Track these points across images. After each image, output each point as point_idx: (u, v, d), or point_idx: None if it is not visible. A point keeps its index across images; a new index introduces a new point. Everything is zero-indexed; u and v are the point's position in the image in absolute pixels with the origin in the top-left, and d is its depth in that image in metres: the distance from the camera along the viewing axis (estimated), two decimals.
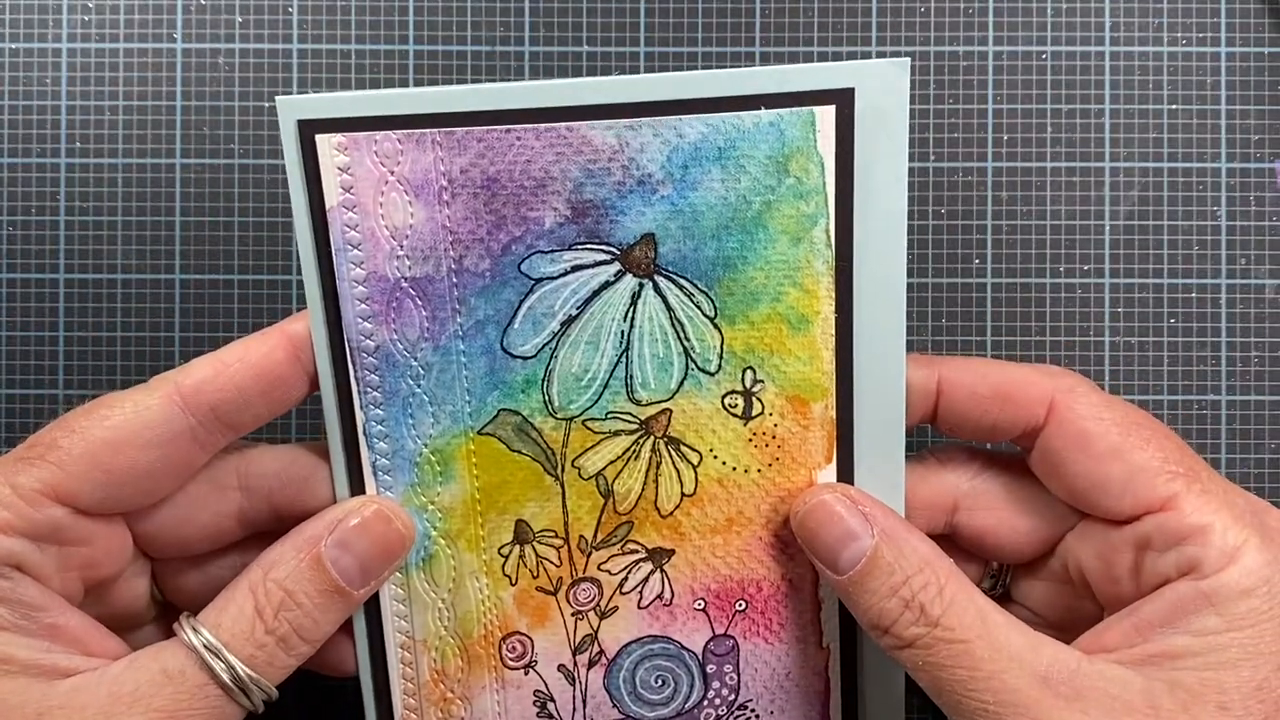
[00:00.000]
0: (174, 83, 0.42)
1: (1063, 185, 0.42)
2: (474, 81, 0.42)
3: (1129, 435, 0.33)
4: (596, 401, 0.36)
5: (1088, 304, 0.42)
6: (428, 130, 0.34)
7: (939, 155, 0.42)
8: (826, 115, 0.34)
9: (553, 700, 0.37)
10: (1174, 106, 0.42)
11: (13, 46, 0.42)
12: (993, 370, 0.35)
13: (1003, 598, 0.38)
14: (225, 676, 0.32)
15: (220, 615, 0.33)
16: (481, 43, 0.42)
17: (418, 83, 0.42)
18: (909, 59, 0.34)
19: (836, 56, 0.42)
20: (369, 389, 0.35)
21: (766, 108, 0.34)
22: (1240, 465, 0.42)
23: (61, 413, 0.35)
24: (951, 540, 0.36)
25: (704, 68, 0.42)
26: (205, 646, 0.32)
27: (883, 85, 0.34)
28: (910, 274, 0.42)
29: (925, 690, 0.33)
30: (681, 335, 0.35)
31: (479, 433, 0.36)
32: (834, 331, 0.35)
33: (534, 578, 0.37)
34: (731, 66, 0.42)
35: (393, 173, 0.34)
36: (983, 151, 0.42)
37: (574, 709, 0.37)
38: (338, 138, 0.34)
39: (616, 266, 0.35)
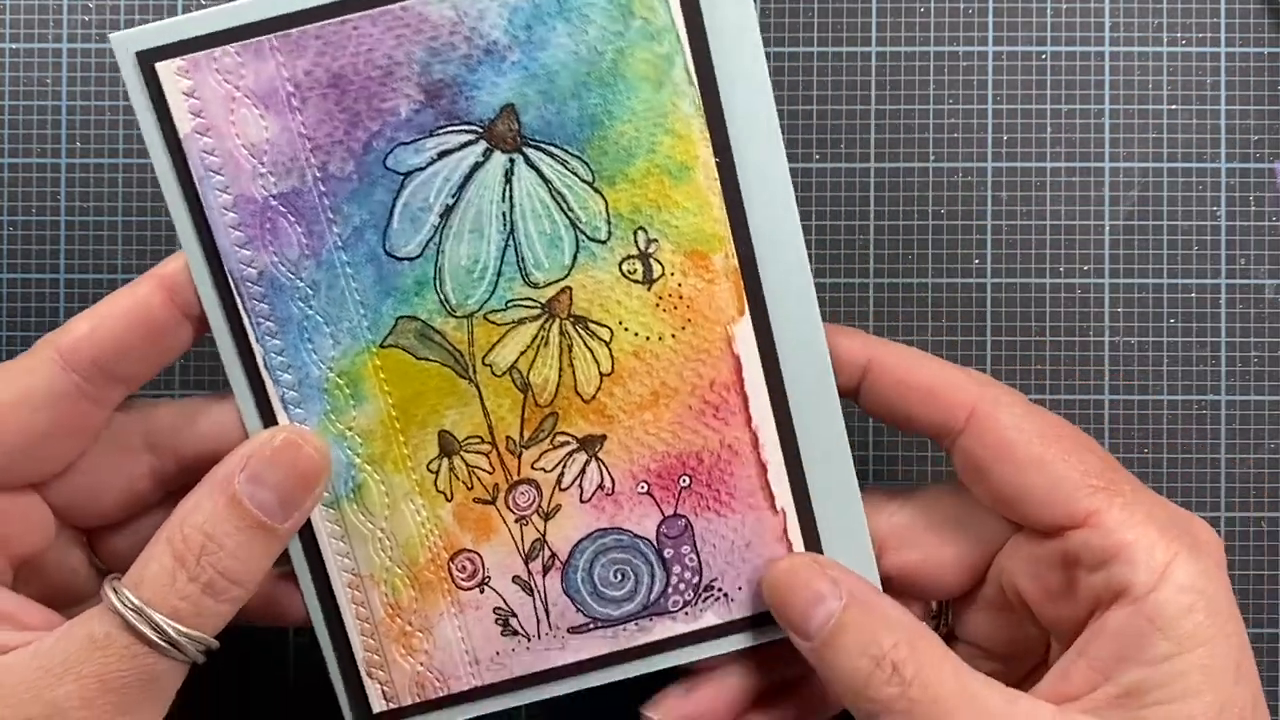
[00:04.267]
0: None
1: (1063, 185, 0.42)
2: None
3: (1050, 446, 0.33)
4: (493, 292, 0.35)
5: (1088, 304, 0.42)
6: (264, 37, 0.33)
7: (939, 155, 0.42)
8: None
9: (514, 615, 0.36)
10: (1174, 106, 0.42)
11: (13, 46, 0.42)
12: (925, 365, 0.35)
13: (948, 638, 0.37)
14: (152, 635, 0.32)
15: (141, 572, 0.32)
16: None
17: None
18: None
19: (836, 56, 0.42)
20: (261, 319, 0.34)
21: None
22: (1240, 465, 0.42)
23: None
24: (886, 585, 0.36)
25: None
26: (126, 605, 0.32)
27: None
28: (910, 274, 0.42)
29: None
30: (565, 207, 0.34)
31: (381, 346, 0.35)
32: (717, 175, 0.34)
33: (469, 489, 0.36)
34: None
35: (238, 88, 0.33)
36: (983, 151, 0.42)
37: (538, 620, 0.36)
38: (178, 62, 0.33)
39: (483, 145, 0.34)
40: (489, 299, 0.35)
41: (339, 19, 0.33)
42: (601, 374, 0.35)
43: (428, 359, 0.35)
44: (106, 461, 0.35)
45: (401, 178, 0.34)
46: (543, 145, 0.34)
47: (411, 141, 0.34)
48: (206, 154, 0.33)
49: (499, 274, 0.34)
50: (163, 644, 0.32)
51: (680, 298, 0.35)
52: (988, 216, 0.42)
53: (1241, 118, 0.42)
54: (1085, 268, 0.42)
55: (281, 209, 0.34)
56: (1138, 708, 0.31)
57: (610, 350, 0.35)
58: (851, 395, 0.36)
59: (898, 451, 0.42)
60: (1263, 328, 0.42)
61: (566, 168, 0.34)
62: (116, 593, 0.32)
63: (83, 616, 0.33)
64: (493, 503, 0.36)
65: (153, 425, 0.35)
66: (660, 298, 0.35)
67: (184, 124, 0.33)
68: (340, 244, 0.34)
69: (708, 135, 0.34)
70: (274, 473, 0.33)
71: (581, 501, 0.36)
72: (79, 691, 0.31)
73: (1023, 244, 0.42)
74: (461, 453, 0.35)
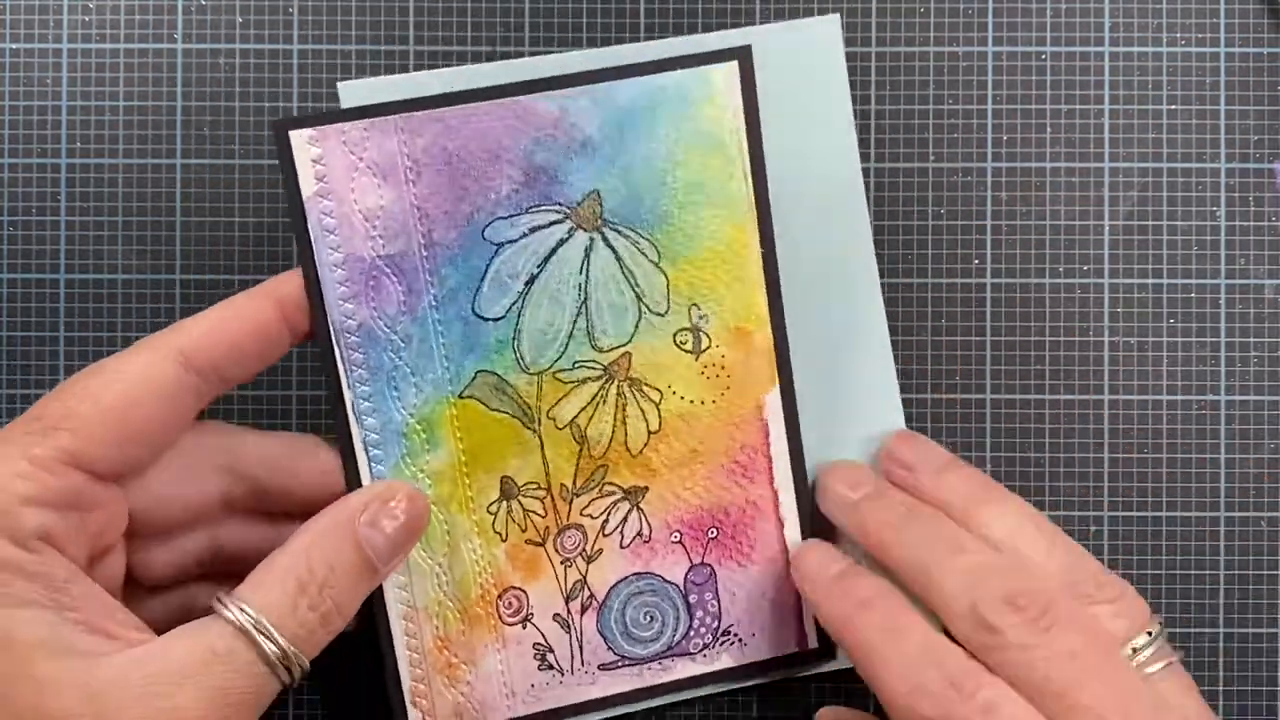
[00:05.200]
0: (174, 83, 0.42)
1: (1063, 185, 0.42)
2: None
3: None
4: (563, 353, 0.38)
5: (1088, 304, 0.42)
6: (392, 116, 0.37)
7: (939, 155, 0.42)
8: (732, 70, 0.38)
9: (551, 650, 0.39)
10: (1174, 106, 0.42)
11: (13, 46, 0.42)
12: None
13: None
14: (271, 654, 0.33)
15: (263, 593, 0.34)
16: (481, 43, 0.42)
17: None
18: (838, 15, 0.41)
19: None
20: (354, 367, 0.37)
21: (683, 68, 0.38)
22: (1240, 465, 0.42)
23: None
24: None
25: None
26: (253, 625, 0.33)
27: (806, 40, 0.40)
28: (910, 274, 0.42)
29: None
30: (633, 282, 0.38)
31: (459, 396, 0.38)
32: (762, 264, 0.39)
33: (522, 531, 0.39)
34: None
35: (361, 158, 0.37)
36: (983, 151, 0.42)
37: (572, 655, 0.40)
38: (309, 131, 0.37)
39: (568, 224, 0.38)
40: (559, 359, 0.38)
41: (459, 106, 0.37)
42: (650, 432, 0.39)
43: (499, 410, 0.38)
44: (184, 473, 0.36)
45: (496, 248, 0.38)
46: (619, 227, 0.38)
47: (508, 217, 0.38)
48: (325, 215, 0.37)
49: (570, 337, 0.38)
50: (279, 664, 0.33)
51: (722, 368, 0.39)
52: (988, 216, 0.42)
53: (1241, 118, 0.42)
54: (1085, 268, 0.42)
55: (386, 269, 0.37)
56: None
57: (659, 410, 0.39)
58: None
59: None
60: (1263, 328, 0.42)
61: (638, 248, 0.38)
62: (241, 609, 0.33)
63: (192, 628, 0.33)
64: (543, 545, 0.39)
65: (238, 450, 0.37)
66: (705, 366, 0.39)
67: (308, 186, 0.37)
68: (435, 303, 0.38)
69: (757, 230, 0.38)
70: (390, 520, 0.36)
71: (621, 547, 0.39)
72: (202, 700, 0.32)
73: (1023, 244, 0.42)
74: (520, 496, 0.39)
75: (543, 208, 0.38)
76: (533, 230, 0.38)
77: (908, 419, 0.41)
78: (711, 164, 0.38)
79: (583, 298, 0.38)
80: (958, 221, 0.42)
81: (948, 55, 0.42)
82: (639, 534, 0.39)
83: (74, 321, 0.42)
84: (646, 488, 0.39)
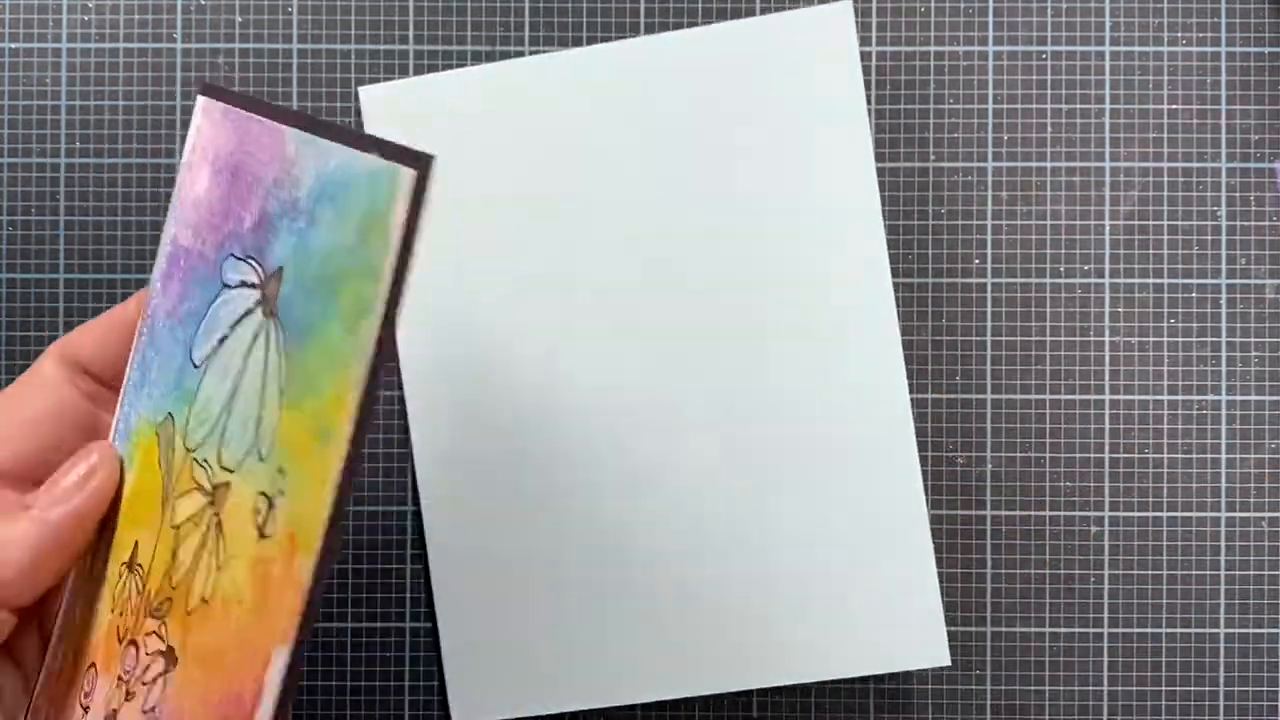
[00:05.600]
0: (174, 83, 0.42)
1: (1063, 185, 0.42)
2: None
3: None
4: (202, 443, 0.31)
5: (1088, 304, 0.42)
6: (236, 108, 0.31)
7: (939, 155, 0.42)
8: (407, 179, 0.26)
9: None
10: (1174, 106, 0.42)
11: (13, 46, 0.42)
12: None
13: None
14: None
15: None
16: (481, 43, 0.42)
17: None
18: (850, 1, 0.35)
19: None
20: (136, 351, 0.34)
21: (382, 153, 0.27)
22: (1240, 465, 0.42)
23: None
24: None
25: None
26: None
27: (817, 27, 0.38)
28: (910, 274, 0.42)
29: None
30: (262, 400, 0.29)
31: (156, 427, 0.32)
32: (345, 459, 0.26)
33: (120, 615, 0.32)
34: None
35: (210, 139, 0.32)
36: (983, 151, 0.42)
37: None
38: (204, 100, 0.32)
39: (258, 294, 0.29)
40: (198, 447, 0.31)
41: (253, 114, 0.30)
42: (202, 597, 0.30)
43: (161, 466, 0.32)
44: None
45: (221, 288, 0.31)
46: (282, 326, 0.29)
47: (243, 258, 0.30)
48: (181, 187, 0.33)
49: (212, 429, 0.30)
50: None
51: (268, 576, 0.28)
52: (988, 216, 0.42)
53: (1242, 118, 0.42)
54: (1085, 268, 0.42)
55: (181, 262, 0.33)
56: None
57: (218, 581, 0.29)
58: None
59: None
60: (1263, 328, 0.42)
61: (280, 360, 0.29)
62: None
63: None
64: (121, 642, 0.32)
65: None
66: (258, 560, 0.28)
67: (185, 153, 0.33)
68: (180, 320, 0.32)
69: (356, 413, 0.26)
70: (63, 475, 0.33)
71: (142, 711, 0.31)
72: None
73: (1023, 244, 0.42)
74: (135, 576, 0.32)
75: (253, 261, 0.30)
76: (240, 284, 0.30)
77: None
78: (353, 296, 0.27)
79: (234, 390, 0.29)
80: (958, 221, 0.42)
81: (948, 55, 0.42)
82: (154, 709, 0.30)
83: (74, 321, 0.42)
84: (177, 661, 0.30)
